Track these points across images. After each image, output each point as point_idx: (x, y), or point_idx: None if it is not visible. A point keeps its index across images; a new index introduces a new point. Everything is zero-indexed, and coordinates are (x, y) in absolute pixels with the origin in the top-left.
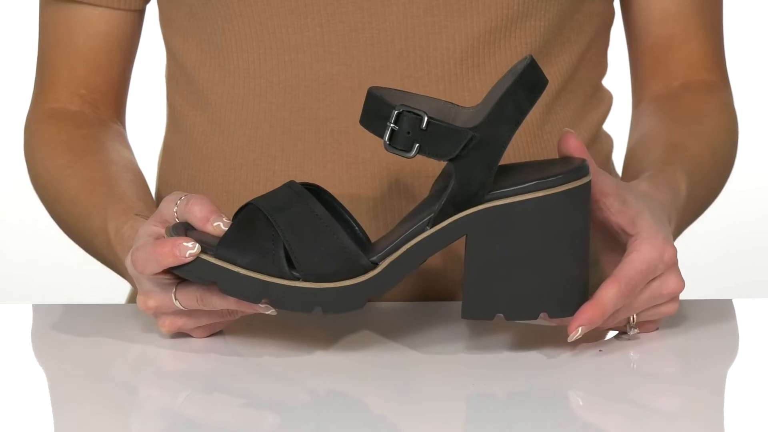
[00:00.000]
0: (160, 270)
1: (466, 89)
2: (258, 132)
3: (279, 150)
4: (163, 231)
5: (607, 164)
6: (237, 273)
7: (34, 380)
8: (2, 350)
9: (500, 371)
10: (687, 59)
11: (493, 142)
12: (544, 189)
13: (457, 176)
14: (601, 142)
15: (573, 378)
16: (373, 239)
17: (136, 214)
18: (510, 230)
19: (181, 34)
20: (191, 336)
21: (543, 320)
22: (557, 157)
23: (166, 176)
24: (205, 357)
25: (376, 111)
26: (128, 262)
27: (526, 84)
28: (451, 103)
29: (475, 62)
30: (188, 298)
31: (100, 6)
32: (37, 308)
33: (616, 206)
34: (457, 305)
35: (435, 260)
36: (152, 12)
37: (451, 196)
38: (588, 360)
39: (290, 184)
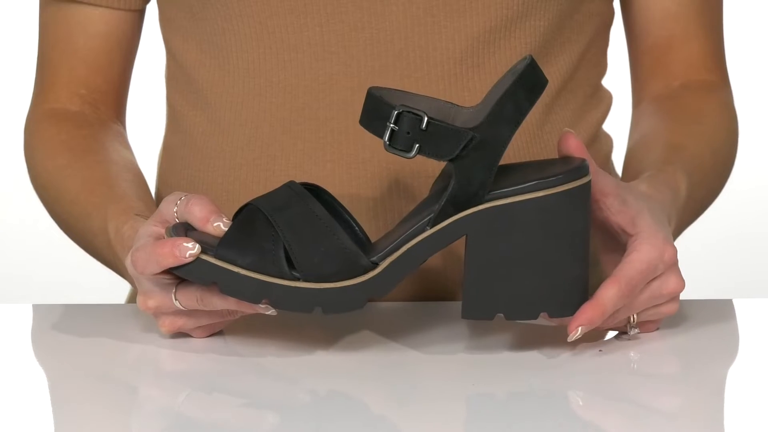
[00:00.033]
0: (160, 270)
1: (466, 89)
2: (258, 132)
3: (279, 150)
4: (163, 231)
5: (606, 164)
6: (237, 273)
7: (34, 380)
8: (2, 350)
9: (500, 371)
10: (687, 59)
11: (493, 142)
12: (544, 189)
13: (457, 176)
14: (600, 142)
15: (573, 378)
16: (372, 239)
17: (136, 214)
18: (510, 230)
19: (181, 34)
20: (191, 336)
21: (543, 320)
22: (557, 156)
23: (166, 176)
24: (205, 357)
25: (376, 111)
26: (128, 263)
27: (526, 84)
28: (451, 103)
29: (474, 62)
30: (188, 298)
31: (100, 6)
32: (37, 308)
33: (616, 206)
34: (457, 305)
35: (435, 260)
36: (152, 12)
37: (451, 196)
38: (588, 360)
39: (290, 184)
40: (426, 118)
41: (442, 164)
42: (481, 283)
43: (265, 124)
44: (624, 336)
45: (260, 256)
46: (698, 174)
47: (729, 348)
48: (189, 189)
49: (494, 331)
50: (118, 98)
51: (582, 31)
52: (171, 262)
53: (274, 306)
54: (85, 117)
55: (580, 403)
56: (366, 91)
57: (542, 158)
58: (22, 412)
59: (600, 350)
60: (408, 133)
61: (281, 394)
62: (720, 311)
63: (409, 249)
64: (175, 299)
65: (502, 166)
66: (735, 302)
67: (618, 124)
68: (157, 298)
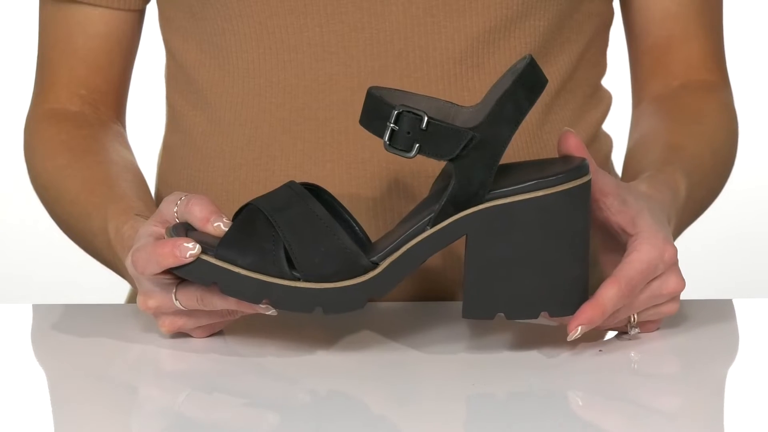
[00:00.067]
0: (160, 270)
1: (466, 89)
2: (257, 132)
3: (278, 150)
4: (163, 231)
5: (606, 164)
6: (237, 273)
7: (34, 380)
8: (2, 350)
9: (500, 371)
10: (687, 59)
11: (494, 141)
12: (545, 188)
13: (458, 176)
14: (600, 142)
15: (573, 378)
16: (372, 239)
17: (137, 214)
18: (510, 230)
19: (181, 33)
20: (191, 336)
21: (543, 319)
22: (557, 156)
23: (166, 176)
24: (205, 357)
25: (376, 111)
26: (128, 263)
27: (526, 84)
28: (451, 102)
29: (474, 62)
30: (188, 298)
31: (100, 6)
32: (37, 308)
33: (616, 206)
34: (458, 305)
35: (435, 260)
36: (152, 12)
37: (451, 196)
38: (588, 360)
39: (290, 185)
40: (426, 118)
41: (442, 164)
42: (482, 283)
43: (264, 124)
44: (624, 336)
45: (260, 256)
46: (698, 174)
47: (729, 348)
48: (189, 189)
49: (494, 331)
50: (118, 98)
51: (581, 31)
52: (171, 263)
53: (274, 306)
54: (85, 117)
55: (580, 403)
56: (366, 91)
57: (542, 158)
58: (22, 412)
59: (600, 350)
60: (408, 132)
61: (281, 394)
62: (720, 311)
63: (409, 249)
64: (176, 299)
65: (502, 165)
66: (735, 302)
67: (617, 124)
68: (157, 298)
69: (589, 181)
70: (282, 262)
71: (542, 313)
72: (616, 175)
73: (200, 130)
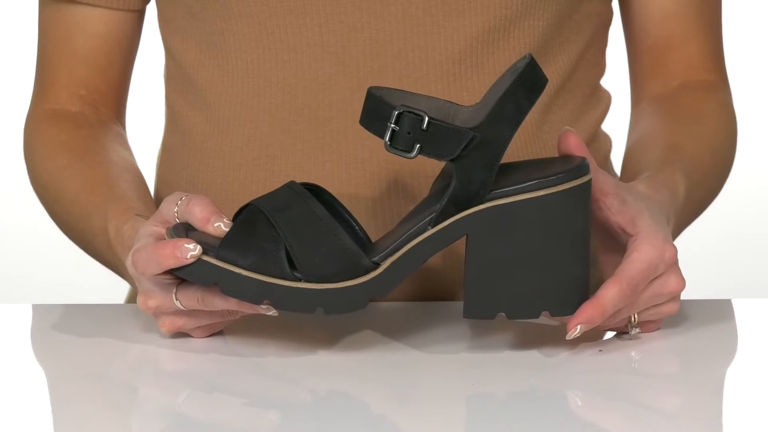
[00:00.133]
0: (161, 271)
1: (465, 89)
2: (257, 132)
3: (278, 150)
4: (163, 231)
5: (605, 164)
6: (238, 274)
7: (34, 380)
8: (2, 350)
9: (500, 371)
10: (686, 59)
11: (494, 141)
12: (545, 188)
13: (458, 176)
14: (599, 142)
15: (573, 378)
16: (372, 239)
17: (137, 215)
18: (511, 229)
19: (180, 34)
20: (191, 336)
21: (544, 319)
22: (557, 155)
23: (165, 176)
24: (205, 357)
25: (377, 111)
26: (128, 263)
27: (526, 83)
28: (451, 102)
29: (473, 62)
30: (189, 298)
31: (99, 6)
32: (36, 308)
33: (616, 206)
34: (458, 305)
35: (435, 260)
36: (151, 12)
37: (452, 196)
38: (588, 360)
39: (290, 185)
40: (427, 118)
41: (441, 164)
42: (483, 283)
43: (264, 124)
44: (624, 336)
45: (261, 256)
46: (697, 174)
47: (728, 348)
48: (188, 189)
49: (494, 331)
50: (118, 99)
51: (581, 31)
52: (172, 263)
53: (275, 307)
54: (85, 118)
55: (580, 403)
56: (365, 91)
57: (542, 157)
58: (22, 412)
59: (600, 350)
60: (409, 133)
61: (281, 394)
62: (719, 311)
63: (410, 249)
64: (176, 299)
65: (502, 165)
66: (734, 302)
67: (617, 124)
68: (157, 298)
69: (590, 180)
70: (283, 263)
71: (543, 313)
72: (615, 174)
73: (199, 130)
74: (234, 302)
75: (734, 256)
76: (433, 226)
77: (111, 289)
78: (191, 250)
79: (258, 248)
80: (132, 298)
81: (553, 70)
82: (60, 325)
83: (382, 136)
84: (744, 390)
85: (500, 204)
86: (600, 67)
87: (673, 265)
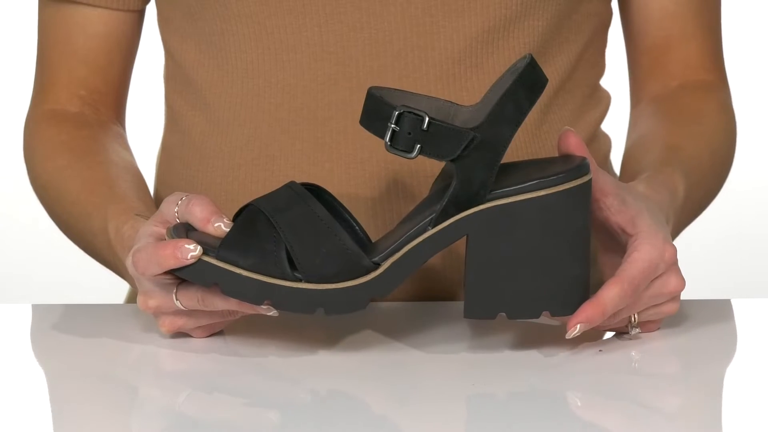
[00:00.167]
0: (161, 272)
1: (465, 89)
2: (256, 132)
3: (277, 150)
4: (163, 231)
5: (605, 164)
6: (239, 275)
7: (34, 380)
8: (2, 350)
9: (500, 371)
10: (685, 59)
11: (494, 142)
12: (546, 188)
13: (459, 176)
14: (599, 142)
15: (573, 378)
16: (372, 239)
17: (137, 215)
18: (512, 229)
19: (180, 34)
20: (191, 336)
21: (544, 319)
22: (556, 155)
23: (165, 176)
24: (205, 357)
25: (377, 112)
26: (129, 263)
27: (526, 83)
28: (450, 101)
29: (473, 62)
30: (189, 298)
31: (99, 6)
32: (36, 308)
33: (616, 206)
34: (458, 305)
35: (435, 260)
36: (151, 12)
37: (452, 196)
38: (588, 360)
39: (291, 185)
40: (427, 119)
41: (441, 164)
42: (483, 283)
43: (263, 124)
44: (625, 336)
45: (262, 257)
46: (696, 175)
47: (728, 348)
48: (188, 189)
49: (494, 331)
50: (118, 99)
51: (580, 32)
52: (172, 264)
53: (276, 307)
54: (84, 118)
55: (580, 403)
56: (365, 92)
57: (541, 157)
58: (22, 413)
59: (600, 350)
60: (409, 133)
61: (282, 394)
62: (719, 311)
63: (411, 249)
64: (176, 299)
65: (502, 164)
66: (733, 302)
67: (616, 124)
68: (157, 298)
69: (590, 180)
70: (283, 263)
71: (543, 313)
72: (614, 175)
73: (199, 130)
74: (234, 302)
75: (734, 256)
76: (434, 226)
77: (111, 289)
78: (192, 250)
79: (258, 249)
80: (132, 298)
81: (552, 70)
82: (60, 325)
83: (382, 137)
84: (743, 390)
85: (500, 204)
86: (599, 67)
87: (673, 265)
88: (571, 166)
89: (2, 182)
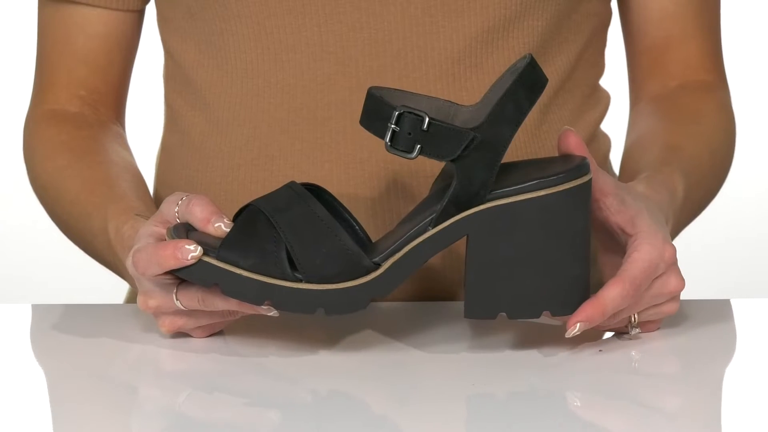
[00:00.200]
0: (161, 272)
1: (464, 89)
2: (256, 132)
3: (277, 150)
4: (163, 231)
5: (604, 164)
6: (239, 275)
7: (34, 380)
8: (2, 350)
9: (500, 371)
10: (685, 59)
11: (495, 142)
12: (546, 188)
13: (459, 176)
14: (598, 142)
15: (573, 378)
16: (372, 239)
17: (137, 215)
18: (512, 229)
19: (179, 34)
20: (191, 336)
21: (545, 318)
22: (556, 155)
23: (164, 176)
24: (205, 357)
25: (377, 112)
26: (129, 263)
27: (526, 83)
28: (450, 101)
29: (472, 62)
30: (189, 298)
31: (99, 6)
32: (36, 308)
33: (616, 206)
34: (458, 305)
35: (435, 260)
36: (151, 12)
37: (453, 197)
38: (588, 359)
39: (291, 185)
40: (427, 119)
41: (440, 164)
42: (483, 283)
43: (263, 124)
44: (625, 336)
45: (262, 257)
46: (695, 175)
47: (727, 348)
48: (187, 189)
49: (494, 331)
50: (118, 99)
51: (580, 32)
52: (173, 264)
53: (276, 307)
54: (84, 118)
55: (580, 403)
56: (364, 91)
57: (541, 157)
58: (22, 413)
59: (600, 350)
60: (409, 134)
61: (282, 394)
62: (718, 311)
63: (411, 249)
64: (176, 299)
65: (502, 165)
66: (733, 302)
67: (616, 124)
68: (157, 298)
69: (590, 180)
70: (284, 264)
71: (544, 313)
72: (614, 174)
73: (199, 130)
74: (234, 303)
75: (734, 256)
76: (434, 226)
77: (111, 289)
78: (192, 251)
79: (259, 249)
80: (132, 298)
81: (552, 70)
82: (60, 325)
83: (382, 137)
84: (743, 390)
85: (501, 204)
86: (599, 67)
87: (673, 264)
88: (571, 166)
89: (2, 182)
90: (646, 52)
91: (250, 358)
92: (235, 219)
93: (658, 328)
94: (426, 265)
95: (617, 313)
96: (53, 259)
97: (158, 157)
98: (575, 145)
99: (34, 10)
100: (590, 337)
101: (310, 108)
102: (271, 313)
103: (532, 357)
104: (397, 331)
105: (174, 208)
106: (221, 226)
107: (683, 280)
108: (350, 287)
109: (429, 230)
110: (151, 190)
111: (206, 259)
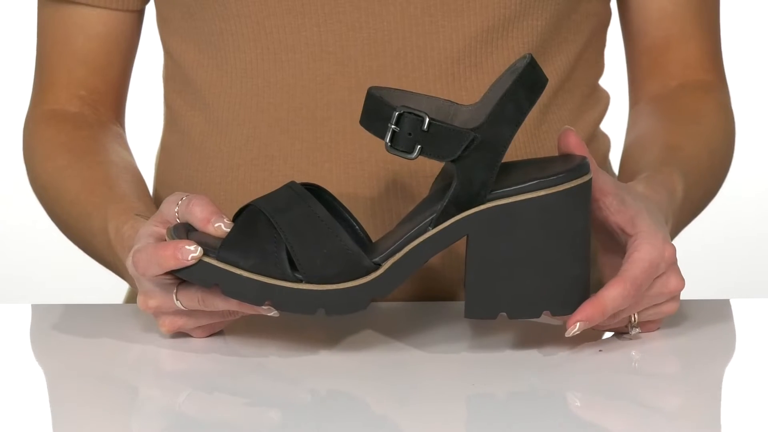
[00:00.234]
0: (161, 272)
1: (464, 89)
2: (255, 132)
3: (276, 150)
4: (163, 231)
5: (604, 164)
6: (239, 275)
7: (34, 380)
8: (2, 350)
9: (500, 371)
10: (684, 59)
11: (495, 142)
12: (546, 188)
13: (459, 177)
14: (598, 142)
15: (573, 378)
16: (371, 239)
17: (137, 215)
18: (512, 229)
19: (179, 34)
20: (191, 336)
21: (545, 318)
22: (556, 154)
23: (164, 176)
24: (205, 357)
25: (377, 112)
26: (129, 263)
27: (526, 83)
28: (450, 101)
29: (472, 62)
30: (190, 298)
31: (98, 7)
32: (36, 308)
33: (615, 206)
34: (459, 305)
35: (435, 260)
36: (151, 12)
37: (453, 197)
38: (588, 359)
39: (291, 185)
40: (427, 119)
41: (440, 164)
42: (484, 283)
43: (262, 124)
44: (625, 336)
45: (262, 257)
46: (695, 175)
47: (727, 348)
48: (187, 189)
49: (494, 331)
50: (118, 99)
51: (579, 31)
52: (173, 265)
53: (276, 308)
54: (84, 118)
55: (580, 403)
56: (364, 91)
57: (541, 156)
58: (22, 413)
59: (600, 350)
60: (409, 134)
61: (282, 394)
62: (718, 311)
63: (411, 249)
64: (176, 299)
65: (502, 164)
66: (732, 302)
67: (616, 124)
68: (158, 298)
69: (590, 180)
70: (284, 264)
71: (544, 312)
72: (613, 174)
73: (198, 130)
74: (235, 303)
75: (734, 256)
76: (434, 226)
77: (111, 289)
78: (192, 251)
79: (259, 249)
80: (132, 298)
81: (551, 70)
82: (60, 325)
83: (382, 137)
84: (743, 390)
85: (501, 204)
86: (598, 67)
87: (673, 264)
88: (571, 166)
89: (2, 182)
90: (645, 52)
91: (250, 358)
92: (235, 219)
93: (658, 328)
94: (426, 265)
95: (617, 313)
96: (53, 259)
97: (158, 157)
98: (575, 144)
99: (34, 10)
100: (590, 337)
101: (310, 108)
102: (271, 314)
103: (532, 357)
104: (397, 331)
105: (174, 208)
106: (221, 226)
107: (683, 279)
108: (350, 287)
109: (429, 230)
110: (151, 190)
111: (206, 259)
